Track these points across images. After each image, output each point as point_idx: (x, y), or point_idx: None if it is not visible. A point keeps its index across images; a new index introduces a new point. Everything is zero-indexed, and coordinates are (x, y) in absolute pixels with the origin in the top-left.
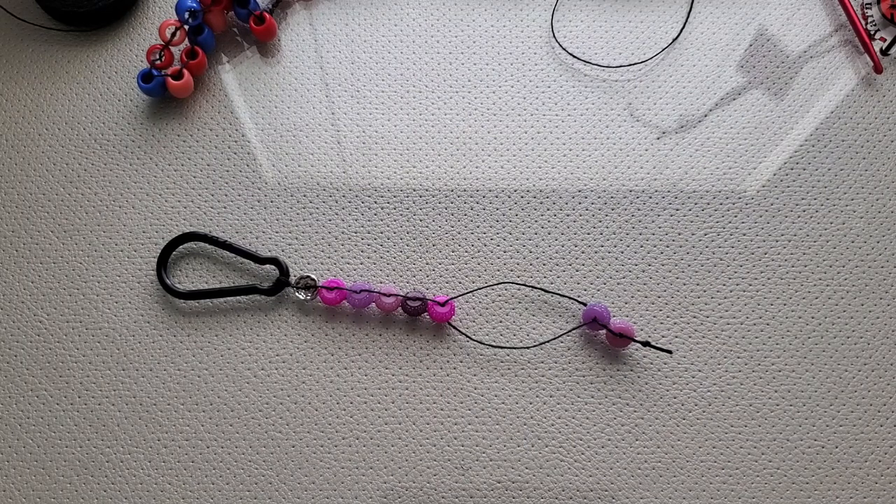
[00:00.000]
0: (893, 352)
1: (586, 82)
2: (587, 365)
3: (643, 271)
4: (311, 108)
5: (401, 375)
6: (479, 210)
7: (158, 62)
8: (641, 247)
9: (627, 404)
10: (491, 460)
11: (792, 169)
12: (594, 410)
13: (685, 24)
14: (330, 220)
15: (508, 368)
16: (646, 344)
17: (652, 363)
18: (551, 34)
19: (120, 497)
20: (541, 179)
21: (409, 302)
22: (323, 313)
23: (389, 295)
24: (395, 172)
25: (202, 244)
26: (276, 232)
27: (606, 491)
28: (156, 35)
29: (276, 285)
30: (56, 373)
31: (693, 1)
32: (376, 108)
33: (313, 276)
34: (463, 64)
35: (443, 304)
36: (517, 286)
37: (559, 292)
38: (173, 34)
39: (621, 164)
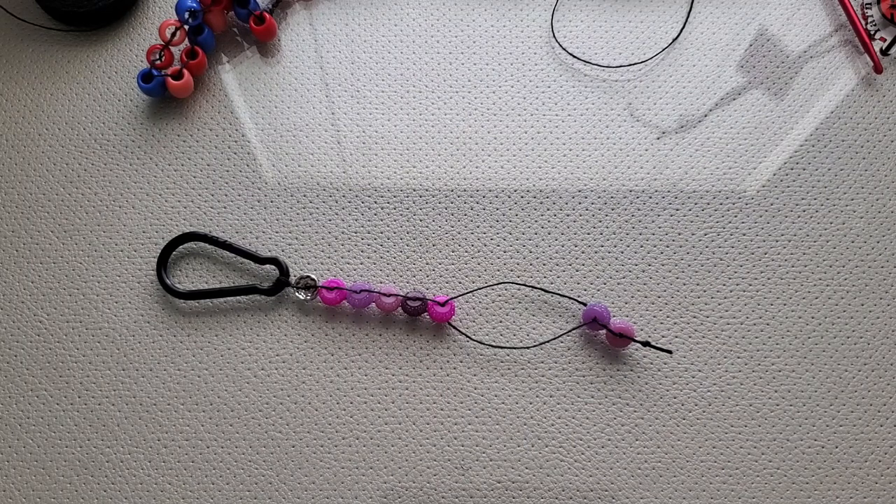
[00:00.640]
0: (893, 352)
1: (586, 82)
2: (587, 365)
3: (643, 271)
4: (311, 108)
5: (401, 375)
6: (479, 210)
7: (158, 62)
8: (641, 247)
9: (627, 404)
10: (491, 460)
11: (792, 169)
12: (594, 410)
13: (685, 24)
14: (330, 220)
15: (508, 368)
16: (646, 344)
17: (652, 363)
18: (551, 34)
19: (120, 497)
20: (541, 179)
21: (409, 302)
22: (323, 313)
23: (389, 295)
24: (395, 172)
25: (202, 244)
26: (276, 232)
27: (606, 491)
28: (156, 35)
29: (276, 285)
30: (56, 373)
31: (693, 1)
32: (376, 108)
33: (313, 276)
34: (463, 64)
35: (443, 304)
36: (517, 286)
37: (559, 292)
38: (173, 34)
39: (621, 164)
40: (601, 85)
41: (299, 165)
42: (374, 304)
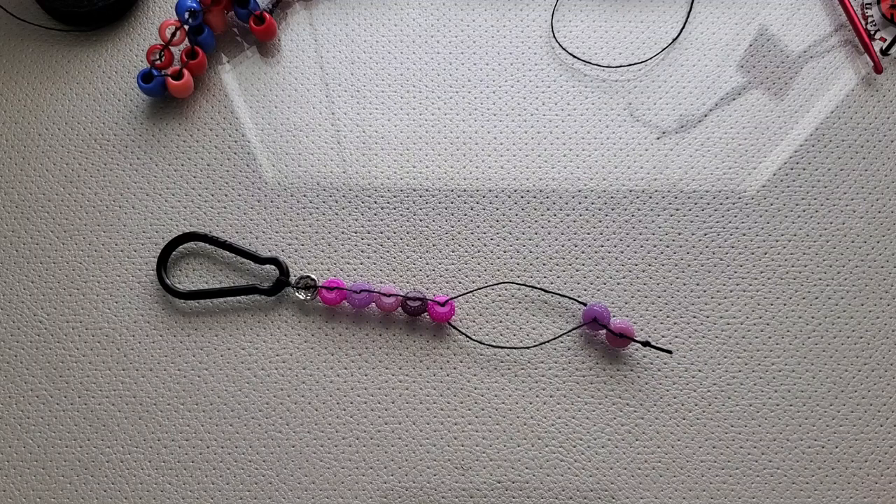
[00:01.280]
0: (893, 352)
1: (586, 82)
2: (587, 365)
3: (643, 271)
4: (311, 108)
5: (401, 375)
6: (479, 210)
7: (158, 62)
8: (641, 247)
9: (627, 404)
10: (491, 460)
11: (792, 169)
12: (594, 410)
13: (685, 24)
14: (330, 220)
15: (508, 368)
16: (646, 344)
17: (652, 363)
18: (551, 34)
19: (120, 497)
20: (541, 179)
21: (409, 302)
22: (323, 313)
23: (389, 295)
24: (395, 172)
25: (202, 244)
26: (276, 232)
27: (606, 491)
28: (156, 35)
29: (276, 285)
30: (56, 373)
31: (693, 1)
32: (376, 108)
33: (313, 276)
34: (463, 64)
35: (443, 304)
36: (517, 286)
37: (559, 292)
38: (173, 34)
39: (621, 164)
40: (601, 85)
41: (299, 165)
42: (374, 304)
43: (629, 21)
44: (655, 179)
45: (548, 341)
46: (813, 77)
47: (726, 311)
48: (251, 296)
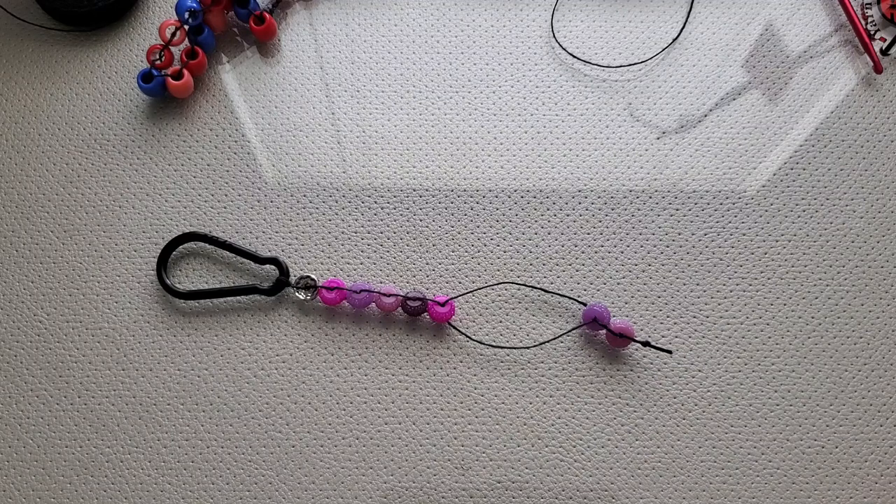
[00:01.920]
0: (893, 352)
1: (586, 82)
2: (587, 365)
3: (643, 271)
4: (311, 108)
5: (401, 375)
6: (479, 210)
7: (158, 62)
8: (641, 247)
9: (627, 404)
10: (491, 460)
11: (792, 169)
12: (594, 410)
13: (685, 24)
14: (330, 220)
15: (508, 368)
16: (646, 344)
17: (652, 363)
18: (551, 34)
19: (120, 497)
20: (541, 179)
21: (409, 302)
22: (323, 313)
23: (389, 295)
24: (395, 172)
25: (202, 244)
26: (276, 232)
27: (606, 491)
28: (156, 35)
29: (276, 285)
30: (56, 373)
31: (693, 1)
32: (376, 108)
33: (313, 276)
34: (463, 64)
35: (443, 304)
36: (517, 286)
37: (559, 292)
38: (173, 34)
39: (621, 164)
40: (601, 85)
41: (299, 165)
42: (374, 304)
43: (629, 21)
44: (655, 179)
45: (548, 341)
46: (813, 77)
47: (726, 311)
48: (251, 296)
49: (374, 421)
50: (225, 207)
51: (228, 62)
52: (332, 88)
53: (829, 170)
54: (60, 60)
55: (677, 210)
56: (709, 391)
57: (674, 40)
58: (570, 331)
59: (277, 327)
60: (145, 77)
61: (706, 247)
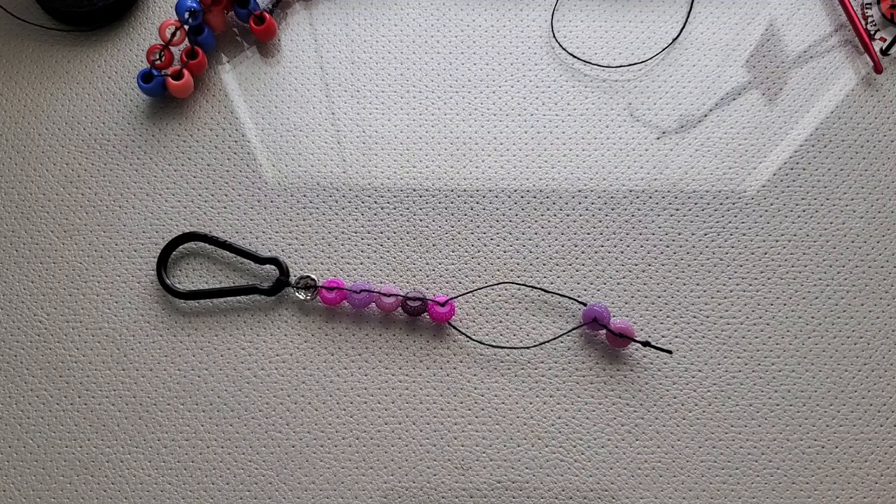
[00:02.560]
0: (893, 352)
1: (586, 82)
2: (587, 365)
3: (643, 271)
4: (311, 108)
5: (401, 375)
6: (479, 210)
7: (158, 62)
8: (641, 247)
9: (627, 404)
10: (491, 460)
11: (792, 169)
12: (594, 410)
13: (685, 24)
14: (330, 220)
15: (508, 368)
16: (646, 344)
17: (652, 363)
18: (551, 34)
19: (120, 497)
20: (541, 179)
21: (409, 302)
22: (323, 313)
23: (389, 295)
24: (395, 172)
25: (202, 244)
26: (276, 232)
27: (606, 491)
28: (156, 35)
29: (276, 285)
30: (56, 373)
31: (693, 1)
32: (376, 108)
33: (313, 276)
34: (463, 64)
35: (443, 304)
36: (517, 286)
37: (559, 292)
38: (173, 34)
39: (621, 164)
40: (601, 85)
41: (299, 165)
42: (374, 304)
43: (629, 21)
44: (655, 179)
45: (548, 341)
46: (813, 77)
47: (726, 311)
48: (251, 296)
49: (374, 421)
50: (225, 207)
51: (228, 62)
52: (332, 88)
53: (829, 170)
54: (60, 60)
55: (677, 210)
56: (709, 391)
57: (674, 40)
58: (570, 331)
59: (277, 327)
60: (145, 77)
61: (706, 247)
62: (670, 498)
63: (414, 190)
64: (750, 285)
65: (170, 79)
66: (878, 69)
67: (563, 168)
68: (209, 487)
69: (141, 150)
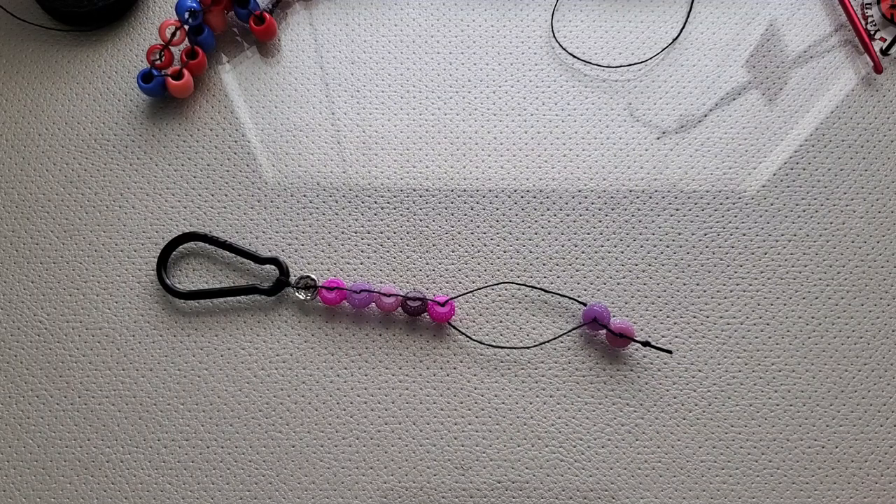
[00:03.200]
0: (893, 352)
1: (586, 82)
2: (587, 365)
3: (643, 271)
4: (311, 108)
5: (401, 375)
6: (479, 210)
7: (158, 62)
8: (641, 247)
9: (627, 404)
10: (491, 460)
11: (792, 169)
12: (594, 410)
13: (685, 24)
14: (330, 220)
15: (508, 368)
16: (646, 344)
17: (652, 363)
18: (551, 34)
19: (120, 497)
20: (541, 179)
21: (409, 302)
22: (323, 313)
23: (389, 295)
24: (395, 172)
25: (202, 244)
26: (276, 232)
27: (606, 491)
28: (156, 35)
29: (276, 285)
30: (56, 373)
31: (693, 1)
32: (376, 108)
33: (313, 276)
34: (463, 64)
35: (443, 304)
36: (517, 286)
37: (559, 292)
38: (173, 34)
39: (621, 164)
40: (601, 85)
41: (299, 165)
42: (374, 304)
43: (629, 21)
44: (655, 179)
45: (548, 341)
46: (813, 77)
47: (726, 311)
48: (251, 296)
49: (374, 421)
50: (225, 207)
51: (228, 62)
52: (332, 88)
53: (829, 170)
54: (60, 60)
55: (677, 210)
56: (709, 391)
57: (674, 40)
58: (570, 331)
59: (277, 327)
60: (145, 77)
61: (706, 247)
62: (670, 498)
63: (414, 190)
64: (750, 285)
65: (170, 79)
66: (878, 69)
67: (562, 168)
68: (209, 487)
69: (141, 150)
